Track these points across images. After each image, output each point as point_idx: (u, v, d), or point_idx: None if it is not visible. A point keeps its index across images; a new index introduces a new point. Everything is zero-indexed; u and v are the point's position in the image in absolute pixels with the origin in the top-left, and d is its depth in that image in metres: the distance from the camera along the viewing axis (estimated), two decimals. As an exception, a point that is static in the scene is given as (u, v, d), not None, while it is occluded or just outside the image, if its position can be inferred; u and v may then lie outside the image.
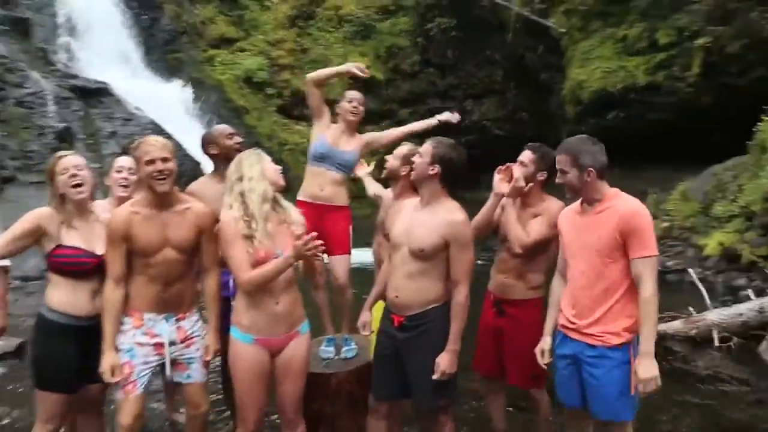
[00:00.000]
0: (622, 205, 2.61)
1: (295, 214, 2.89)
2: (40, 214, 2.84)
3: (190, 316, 2.93)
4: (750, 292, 5.75)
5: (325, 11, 17.32)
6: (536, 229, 3.09)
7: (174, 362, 2.85)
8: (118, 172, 3.42)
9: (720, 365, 5.02)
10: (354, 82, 15.98)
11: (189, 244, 2.83)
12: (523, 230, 3.09)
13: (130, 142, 4.64)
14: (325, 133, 3.79)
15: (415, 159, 2.87)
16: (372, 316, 3.18)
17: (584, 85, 12.65)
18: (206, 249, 2.90)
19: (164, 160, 2.72)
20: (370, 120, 16.37)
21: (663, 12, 11.69)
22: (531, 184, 3.15)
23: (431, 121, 4.00)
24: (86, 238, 2.86)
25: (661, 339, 5.32)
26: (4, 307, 2.96)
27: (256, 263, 2.68)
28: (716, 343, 5.23)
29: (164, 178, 2.72)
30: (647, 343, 2.50)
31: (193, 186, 3.49)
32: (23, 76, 11.33)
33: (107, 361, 2.73)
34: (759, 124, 8.23)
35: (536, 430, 3.43)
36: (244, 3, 16.87)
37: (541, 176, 3.19)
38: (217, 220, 2.84)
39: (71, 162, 2.84)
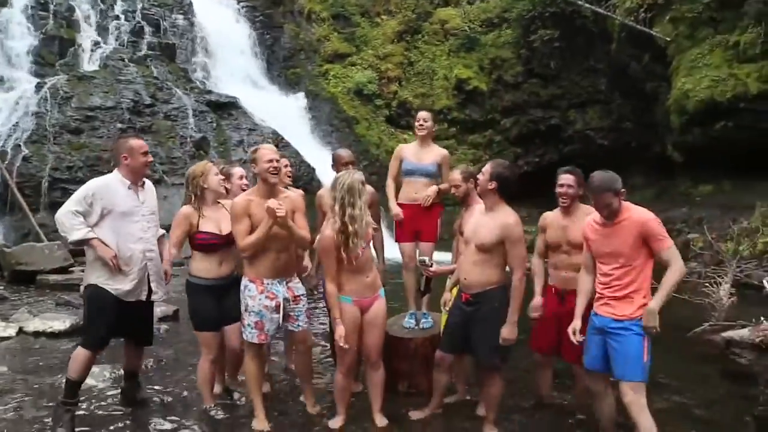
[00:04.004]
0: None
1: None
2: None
3: (295, 280, 3.90)
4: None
5: (431, 26, 18.22)
6: None
7: (286, 316, 3.81)
8: (240, 179, 4.47)
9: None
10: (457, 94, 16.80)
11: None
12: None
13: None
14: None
15: (479, 177, 3.68)
16: (451, 296, 3.95)
17: (690, 95, 12.42)
18: (298, 224, 3.75)
19: (276, 160, 3.73)
20: (474, 129, 17.19)
21: (778, 17, 11.33)
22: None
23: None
24: (216, 223, 3.94)
25: (728, 344, 5.67)
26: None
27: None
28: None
29: (276, 173, 3.70)
30: None
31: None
32: (170, 93, 13.13)
33: None
34: None
35: (577, 395, 4.12)
36: (356, 21, 18.17)
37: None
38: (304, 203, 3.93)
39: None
